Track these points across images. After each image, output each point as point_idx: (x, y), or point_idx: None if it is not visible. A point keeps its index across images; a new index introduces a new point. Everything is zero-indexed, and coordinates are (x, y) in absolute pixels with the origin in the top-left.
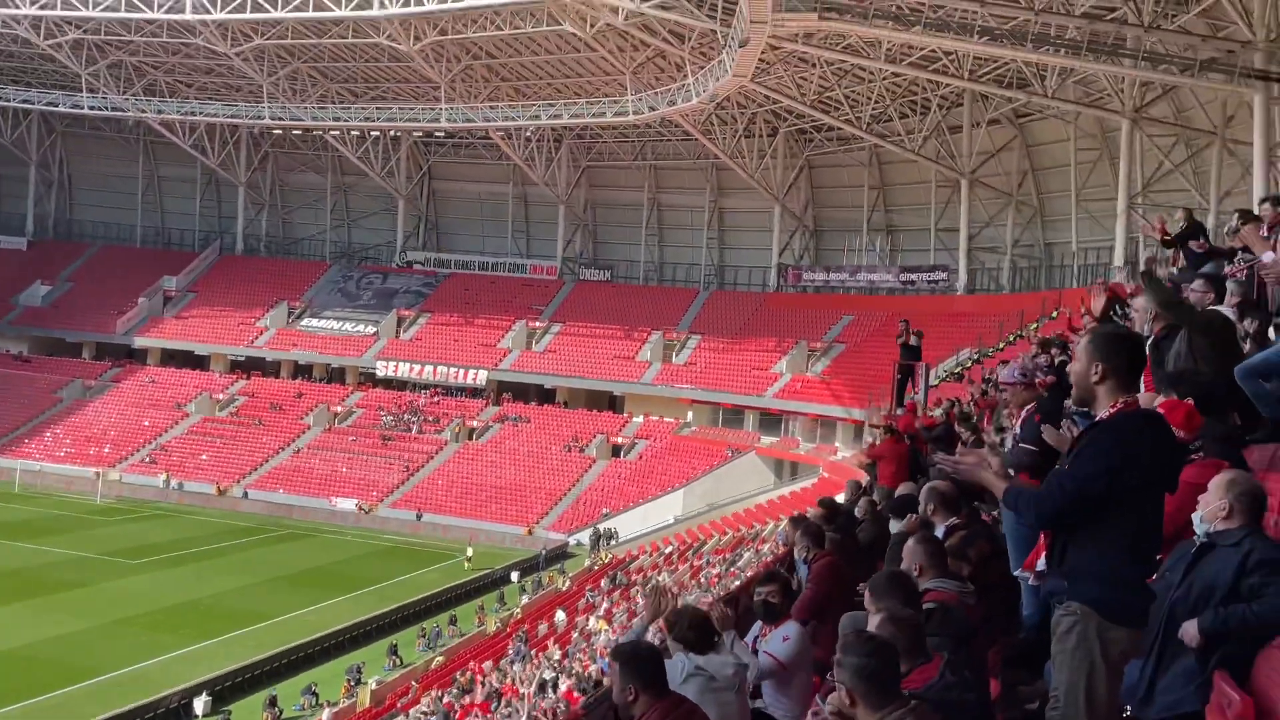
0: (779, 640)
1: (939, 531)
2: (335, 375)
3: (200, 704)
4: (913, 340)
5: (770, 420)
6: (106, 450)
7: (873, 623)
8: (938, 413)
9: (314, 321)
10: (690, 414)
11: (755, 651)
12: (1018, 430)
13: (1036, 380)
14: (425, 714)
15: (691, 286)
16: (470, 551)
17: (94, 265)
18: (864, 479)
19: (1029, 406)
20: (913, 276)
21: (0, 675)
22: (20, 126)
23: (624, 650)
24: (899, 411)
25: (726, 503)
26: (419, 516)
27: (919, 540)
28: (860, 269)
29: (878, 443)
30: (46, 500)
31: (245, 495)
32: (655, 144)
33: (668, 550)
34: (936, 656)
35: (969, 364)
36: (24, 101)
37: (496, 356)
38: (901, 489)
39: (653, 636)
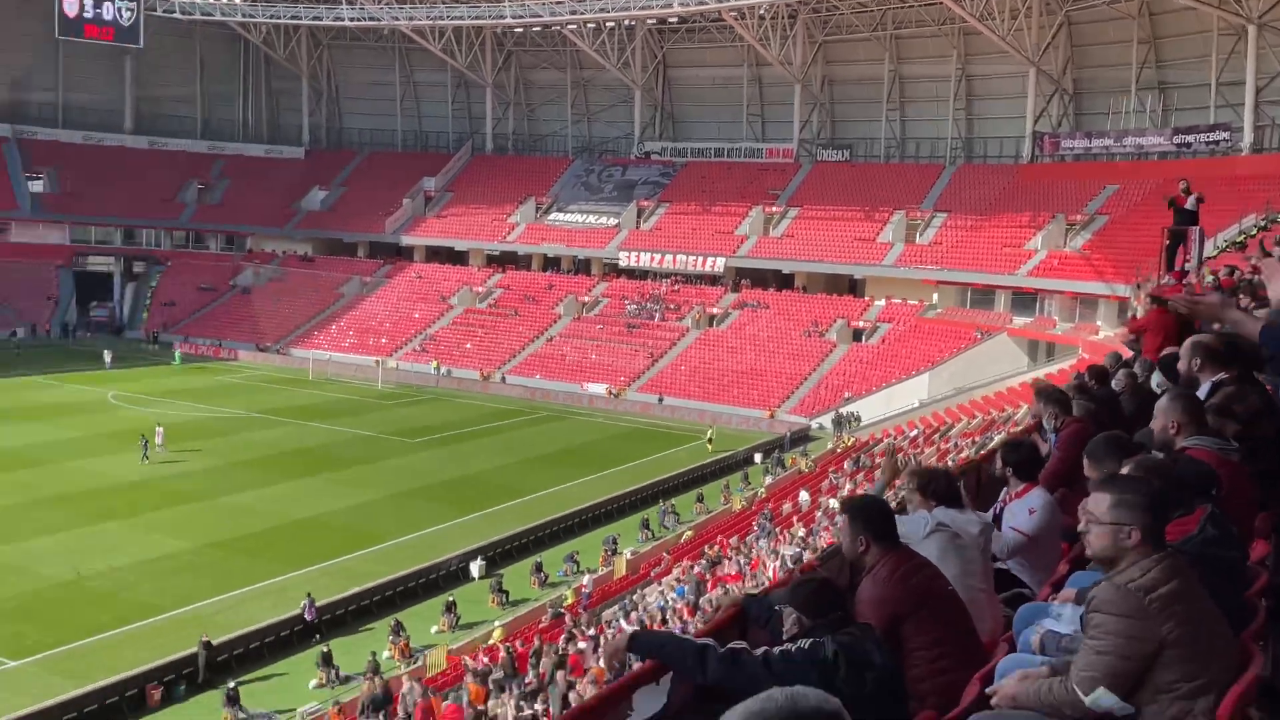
0: (1024, 513)
1: (1204, 389)
2: (581, 266)
3: (476, 567)
4: (1190, 203)
5: (1023, 300)
6: (384, 340)
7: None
8: (1211, 280)
9: (560, 215)
10: (935, 295)
11: (999, 522)
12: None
13: None
14: (678, 581)
15: (936, 162)
16: (712, 434)
17: (362, 170)
18: (1127, 354)
19: None
20: (1188, 138)
21: (298, 540)
22: (291, 42)
23: (855, 503)
24: (1167, 280)
25: (975, 386)
26: (660, 400)
27: (1173, 397)
28: (1127, 133)
29: (1142, 315)
30: (335, 386)
31: (504, 380)
32: (895, 11)
33: (913, 434)
34: (1199, 509)
35: (1253, 231)
36: (293, 18)
37: (734, 243)
38: (1166, 352)
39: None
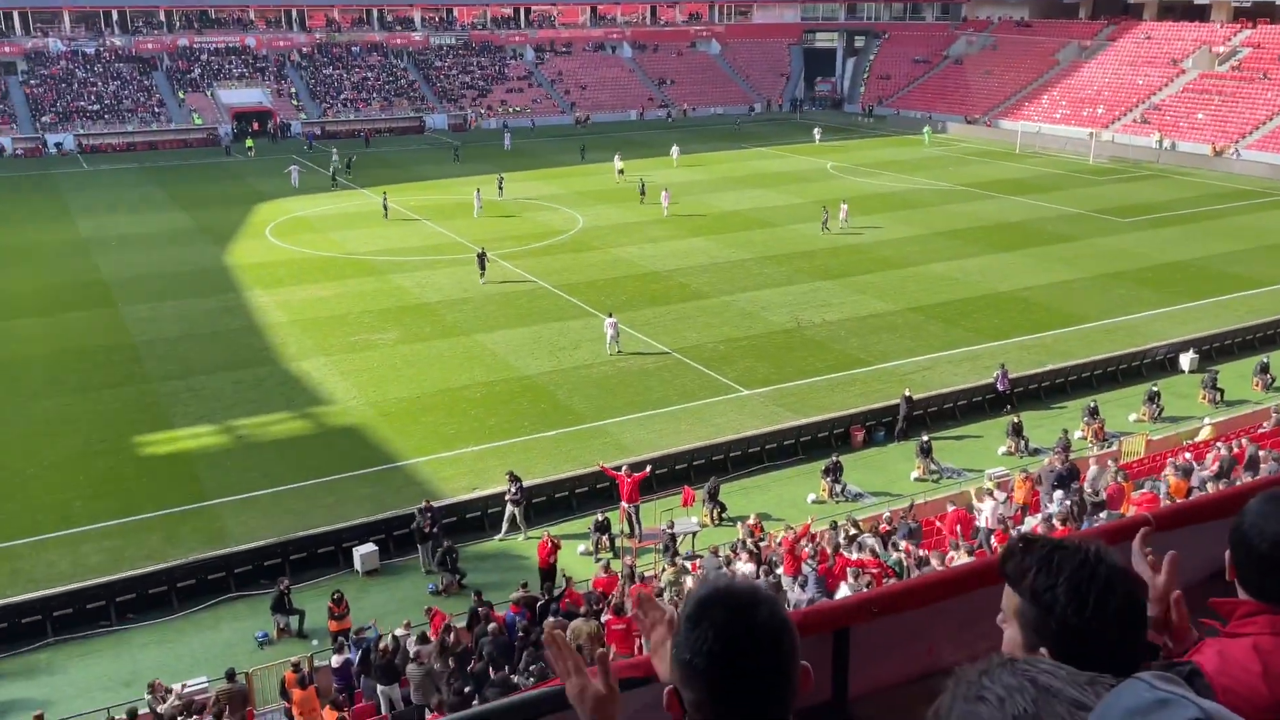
0: None
1: None
2: None
3: (1187, 360)
4: None
5: None
6: (1099, 111)
7: None
8: None
9: None
10: None
11: None
12: None
13: None
14: None
15: None
16: None
17: None
18: None
19: None
20: None
21: (995, 312)
22: None
23: None
24: None
25: None
26: None
27: None
28: None
29: None
30: (1043, 159)
31: (1239, 156)
32: None
33: None
34: None
35: None
36: None
37: None
38: None
39: None
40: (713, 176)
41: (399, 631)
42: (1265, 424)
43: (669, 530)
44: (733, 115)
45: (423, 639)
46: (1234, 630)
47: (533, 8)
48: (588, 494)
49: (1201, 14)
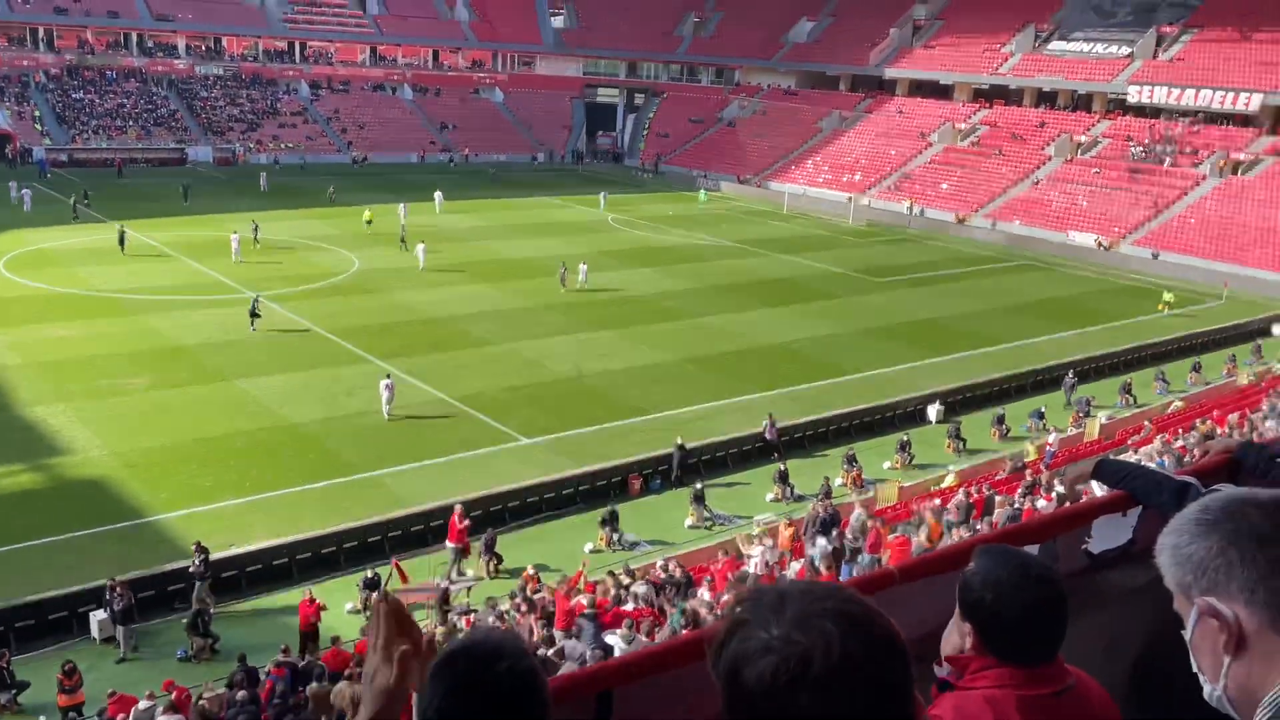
0: None
1: None
2: (1081, 103)
3: (933, 411)
4: None
5: None
6: (858, 177)
7: None
8: None
9: (1061, 45)
10: None
11: None
12: None
13: None
14: (1159, 454)
15: None
16: (1225, 295)
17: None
18: None
19: None
20: None
21: (765, 364)
22: None
23: None
24: None
25: None
26: (1155, 256)
27: None
28: None
29: None
30: (807, 220)
31: (994, 228)
32: None
33: None
34: None
35: None
36: None
37: (1277, 77)
38: None
39: None
40: (493, 223)
41: (142, 704)
42: (1001, 471)
43: (443, 584)
44: (517, 163)
45: (172, 708)
46: (968, 684)
47: (308, 43)
48: (357, 549)
49: (946, 93)
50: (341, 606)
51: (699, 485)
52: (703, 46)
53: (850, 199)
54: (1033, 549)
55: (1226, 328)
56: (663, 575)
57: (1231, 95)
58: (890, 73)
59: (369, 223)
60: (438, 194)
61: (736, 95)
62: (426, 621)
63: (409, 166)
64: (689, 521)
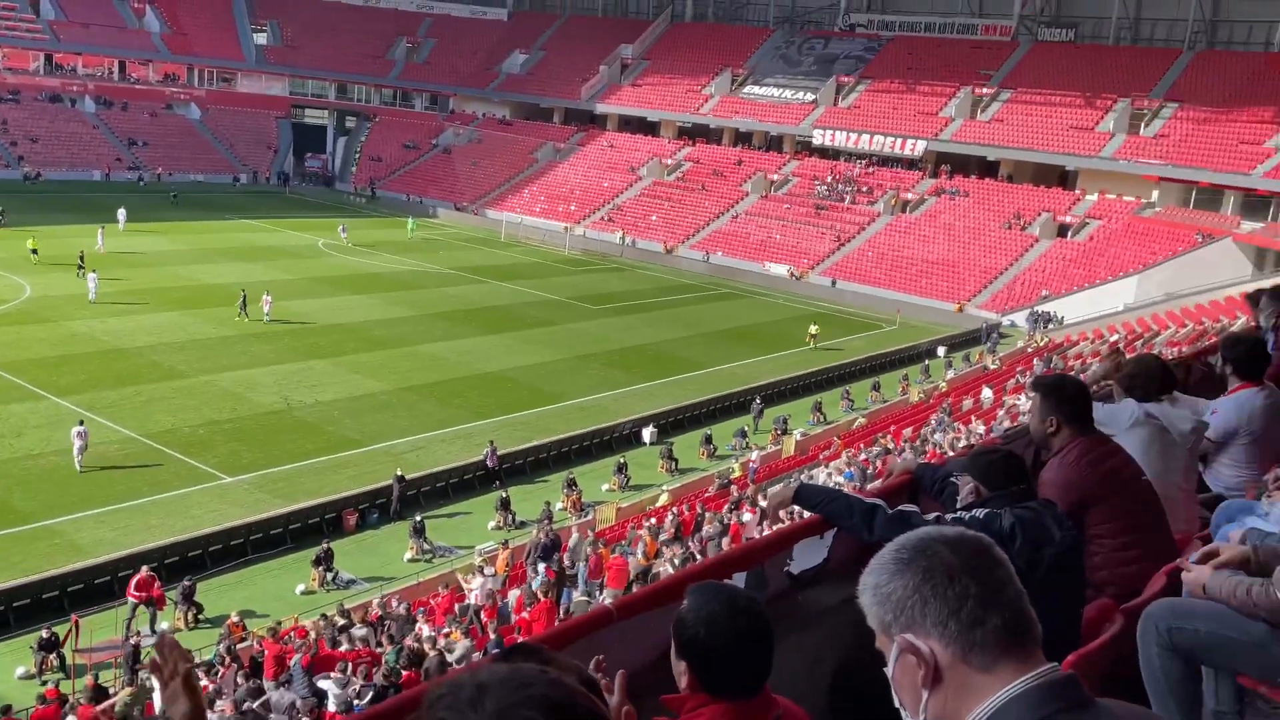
0: (1207, 414)
1: None
2: (773, 143)
3: (648, 434)
4: None
5: (1255, 203)
6: (572, 208)
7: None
8: None
9: (755, 89)
10: (1155, 193)
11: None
12: None
13: None
14: (847, 465)
15: (1173, 47)
16: (898, 320)
17: (562, 35)
18: None
19: None
20: None
21: (484, 392)
22: None
23: (1048, 381)
24: None
25: (1189, 293)
26: (833, 284)
27: None
28: None
29: None
30: (524, 249)
31: (707, 260)
32: None
33: (1113, 338)
34: None
35: None
36: None
37: (937, 126)
38: None
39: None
40: (187, 247)
41: None
42: (710, 489)
43: (131, 641)
44: (217, 183)
45: None
46: None
47: None
48: (29, 607)
49: (653, 129)
50: (12, 672)
51: (419, 517)
52: (416, 72)
53: (566, 228)
54: (740, 577)
55: (901, 350)
56: (380, 612)
57: (899, 140)
58: (601, 108)
59: (34, 252)
60: (121, 211)
61: (452, 123)
62: (114, 682)
63: (91, 184)
64: (408, 555)
